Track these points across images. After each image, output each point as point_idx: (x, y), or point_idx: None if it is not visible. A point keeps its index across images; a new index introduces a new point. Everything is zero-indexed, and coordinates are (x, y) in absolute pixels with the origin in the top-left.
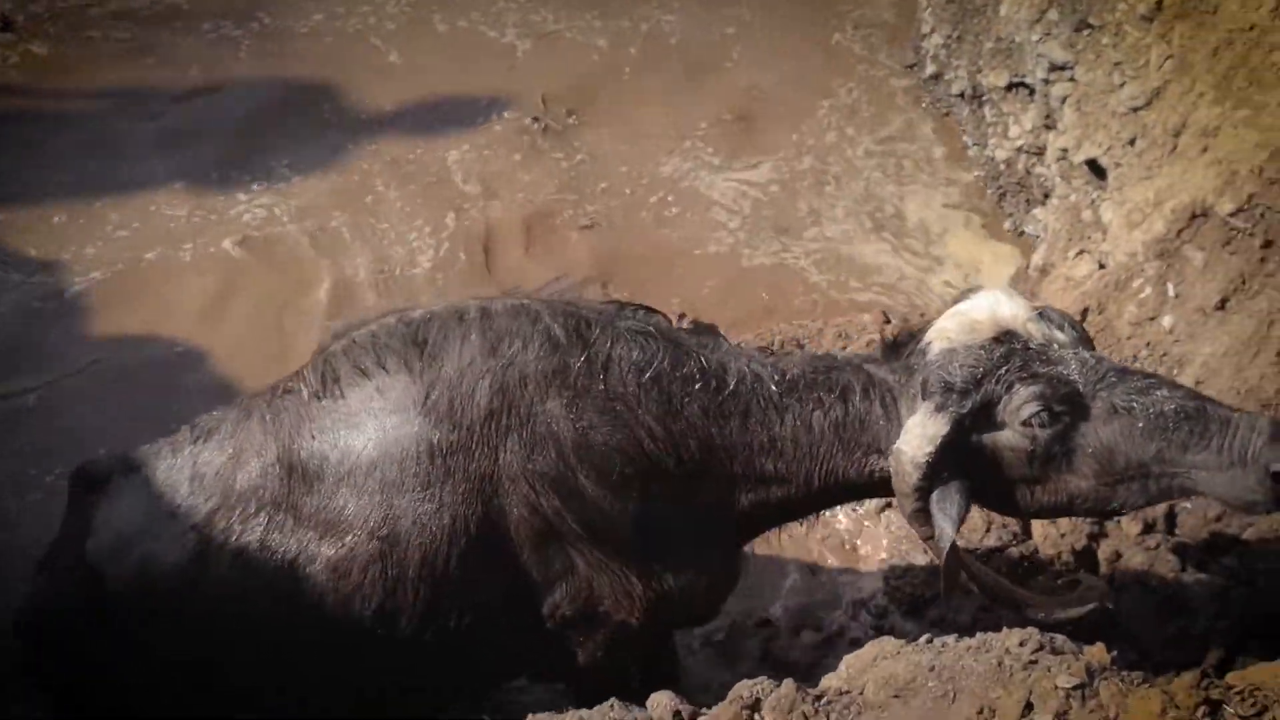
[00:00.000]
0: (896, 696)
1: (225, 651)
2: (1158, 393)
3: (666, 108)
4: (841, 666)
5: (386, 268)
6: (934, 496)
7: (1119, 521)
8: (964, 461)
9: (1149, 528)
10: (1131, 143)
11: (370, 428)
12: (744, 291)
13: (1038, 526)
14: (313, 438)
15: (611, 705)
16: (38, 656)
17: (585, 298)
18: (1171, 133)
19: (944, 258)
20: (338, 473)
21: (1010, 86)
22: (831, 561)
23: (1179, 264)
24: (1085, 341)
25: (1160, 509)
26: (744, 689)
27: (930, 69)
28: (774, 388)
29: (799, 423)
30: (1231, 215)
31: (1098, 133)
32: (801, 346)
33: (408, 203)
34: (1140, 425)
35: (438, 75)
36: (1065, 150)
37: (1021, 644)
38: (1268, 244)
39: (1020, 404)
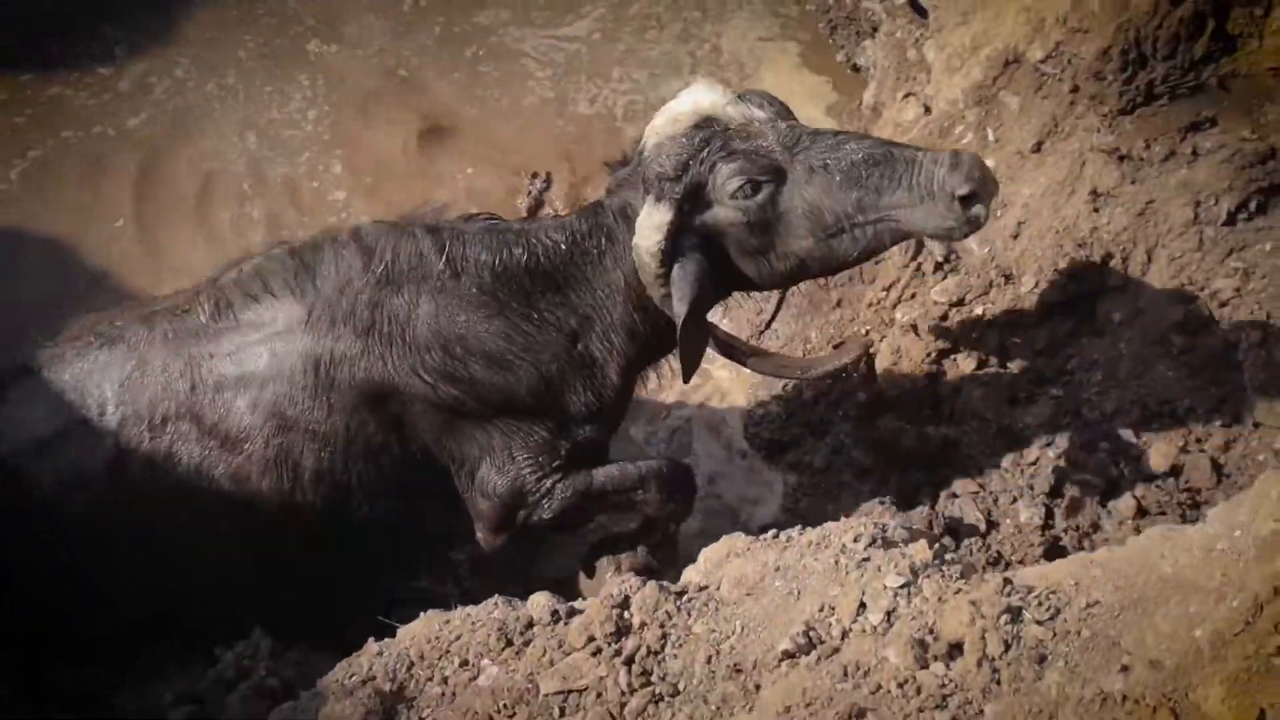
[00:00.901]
0: (749, 594)
1: (140, 552)
2: (848, 145)
3: None
4: (700, 560)
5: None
6: (674, 272)
7: (956, 360)
8: (697, 247)
9: (982, 364)
10: None
11: (261, 347)
12: (567, 145)
13: (884, 374)
14: (211, 356)
15: (495, 602)
16: None
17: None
18: None
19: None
20: (235, 388)
21: None
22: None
23: (997, 109)
24: (785, 114)
25: (993, 342)
26: (614, 586)
27: None
28: (564, 245)
29: (592, 267)
30: (1041, 62)
31: None
32: None
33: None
34: (837, 179)
35: None
36: None
37: (856, 539)
38: (1075, 89)
39: (724, 180)
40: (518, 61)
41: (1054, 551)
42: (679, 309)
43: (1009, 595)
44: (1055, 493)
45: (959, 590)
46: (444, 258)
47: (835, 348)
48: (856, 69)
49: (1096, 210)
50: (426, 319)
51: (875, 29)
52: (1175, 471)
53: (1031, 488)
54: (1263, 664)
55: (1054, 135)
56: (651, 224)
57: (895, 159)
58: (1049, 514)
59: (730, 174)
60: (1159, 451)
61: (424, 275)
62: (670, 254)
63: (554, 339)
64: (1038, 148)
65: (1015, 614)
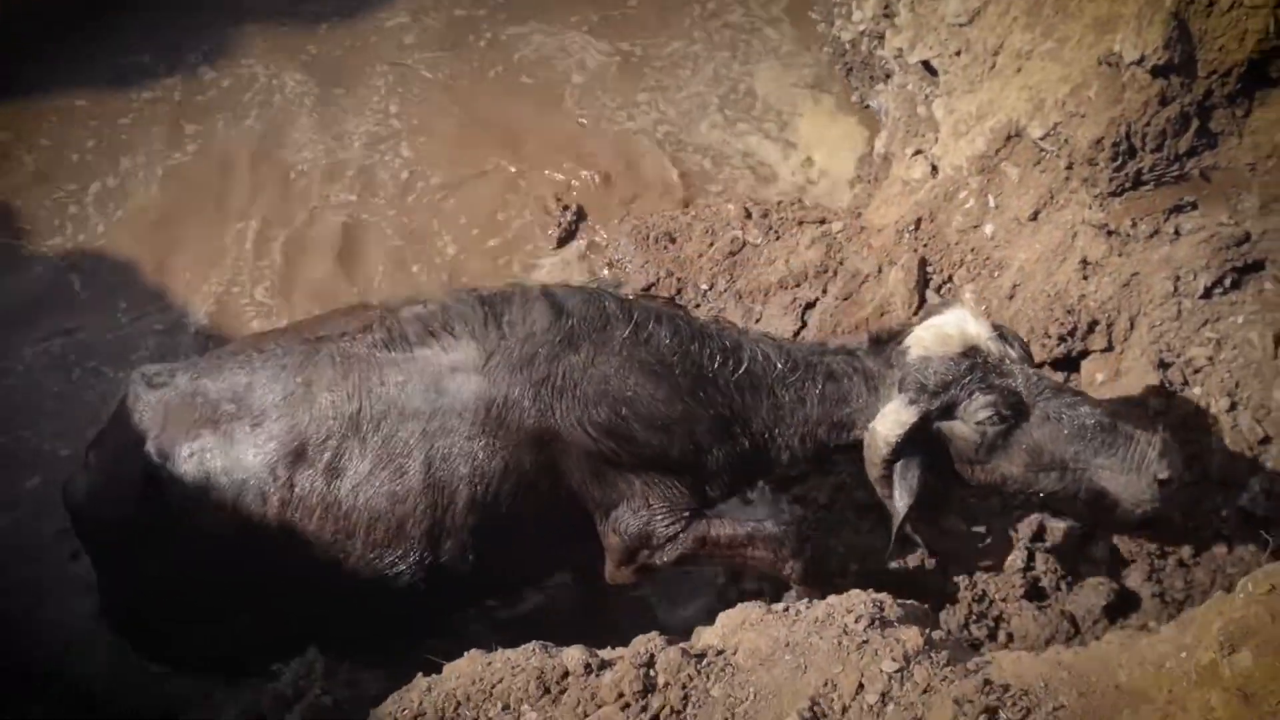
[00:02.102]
0: (761, 664)
1: (289, 562)
2: (1082, 408)
3: None
4: (717, 623)
5: None
6: (897, 467)
7: None
8: (924, 445)
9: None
10: (958, 54)
11: (434, 382)
12: (611, 173)
13: None
14: (382, 384)
15: (533, 649)
16: (84, 528)
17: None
18: (991, 52)
19: (795, 138)
20: (402, 416)
21: None
22: None
23: (998, 178)
24: (1028, 357)
25: None
26: (640, 645)
27: None
28: (780, 366)
29: (796, 396)
30: (1040, 139)
31: (929, 36)
32: (674, 240)
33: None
34: (1065, 431)
35: None
36: (901, 50)
37: (857, 620)
38: (1070, 165)
39: (977, 408)
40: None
41: (1034, 593)
42: (900, 504)
43: (987, 694)
44: (1038, 537)
45: (946, 680)
46: (631, 326)
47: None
48: (867, 107)
49: (1086, 278)
50: (600, 379)
51: (889, 76)
52: (1146, 524)
53: (1016, 530)
54: None
55: (1049, 206)
56: (898, 419)
57: (1118, 431)
58: (1031, 557)
59: (984, 405)
60: None
61: (605, 339)
62: (901, 449)
63: (712, 418)
64: (1034, 217)
65: (992, 714)
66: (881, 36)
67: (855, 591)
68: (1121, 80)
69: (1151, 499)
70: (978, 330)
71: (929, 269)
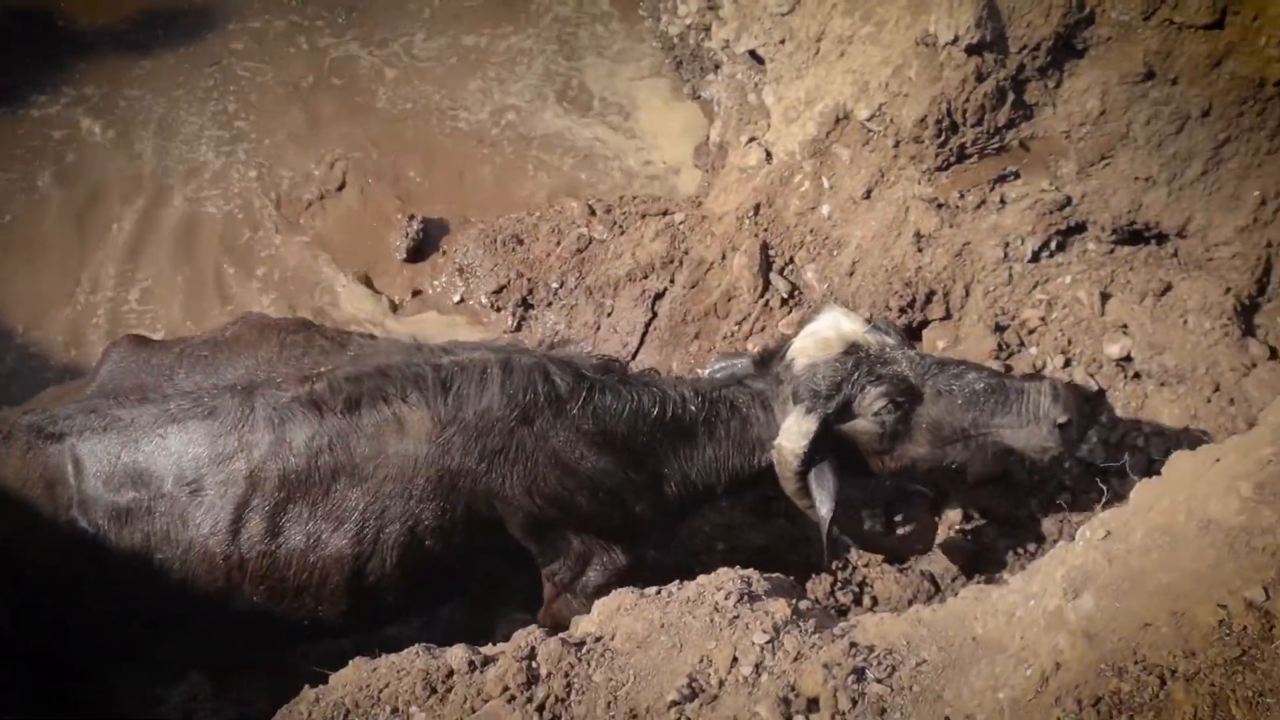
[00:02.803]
0: (639, 647)
1: (223, 619)
2: (969, 375)
3: None
4: (594, 611)
5: None
6: (811, 475)
7: None
8: (830, 449)
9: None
10: (782, 43)
11: (385, 446)
12: (464, 174)
13: None
14: (330, 448)
15: (417, 651)
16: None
17: (579, 352)
18: (814, 38)
19: (635, 131)
20: (352, 479)
21: None
22: None
23: (830, 160)
24: (905, 340)
25: None
26: (520, 638)
27: None
28: (694, 409)
29: (711, 435)
30: (867, 120)
31: (754, 26)
32: (521, 242)
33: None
34: (959, 401)
35: None
36: (727, 41)
37: (726, 597)
38: (897, 144)
39: (871, 400)
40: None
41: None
42: (823, 510)
43: (854, 656)
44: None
45: (814, 646)
46: (579, 399)
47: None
48: (699, 98)
49: (920, 251)
50: (550, 451)
51: (718, 66)
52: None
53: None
54: None
55: (881, 184)
56: (799, 430)
57: (1008, 389)
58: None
59: (877, 395)
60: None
61: (558, 413)
62: (810, 459)
63: (651, 482)
64: (868, 195)
65: (860, 674)
66: (708, 29)
67: (723, 569)
68: (939, 59)
69: (1056, 444)
70: (853, 327)
71: (771, 252)
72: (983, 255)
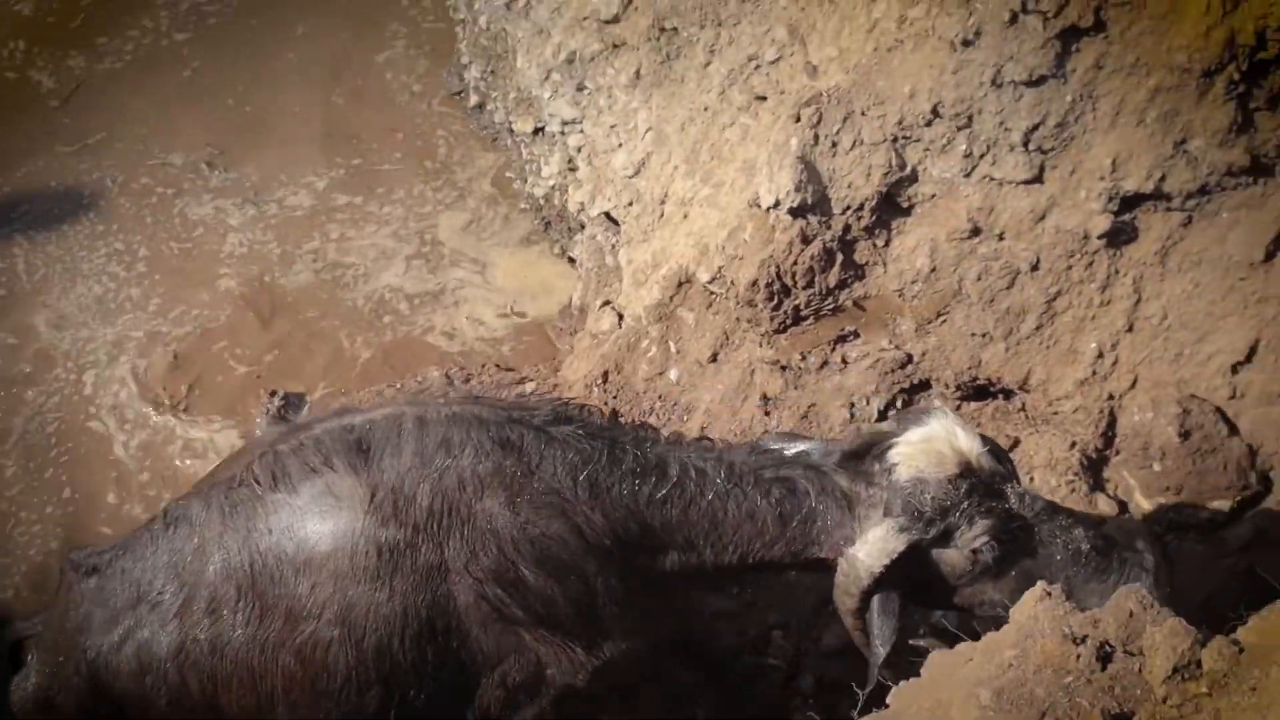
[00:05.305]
0: None
1: None
2: (1077, 530)
3: None
4: None
5: None
6: (875, 601)
7: None
8: (907, 572)
9: None
10: (630, 205)
11: (323, 523)
12: (311, 340)
13: None
14: (269, 531)
15: None
16: None
17: (522, 398)
18: (658, 201)
19: (504, 293)
20: (294, 564)
21: (536, 131)
22: None
23: (676, 324)
24: (1014, 474)
25: None
26: None
27: (474, 99)
28: (720, 481)
29: (742, 512)
30: (708, 283)
31: (606, 188)
32: None
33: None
34: (1058, 557)
35: None
36: (583, 204)
37: None
38: (739, 306)
39: (975, 535)
40: None
41: None
42: (879, 648)
43: None
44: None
45: None
46: (516, 453)
47: None
48: (571, 260)
49: (768, 414)
50: (485, 516)
51: (583, 227)
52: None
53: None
54: None
55: (726, 347)
56: (885, 548)
57: (1111, 556)
58: None
59: (983, 530)
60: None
61: (492, 470)
62: (886, 579)
63: (621, 553)
64: (714, 358)
65: None
66: (568, 190)
67: None
68: (770, 222)
69: None
70: (970, 445)
71: (620, 420)
72: (829, 416)
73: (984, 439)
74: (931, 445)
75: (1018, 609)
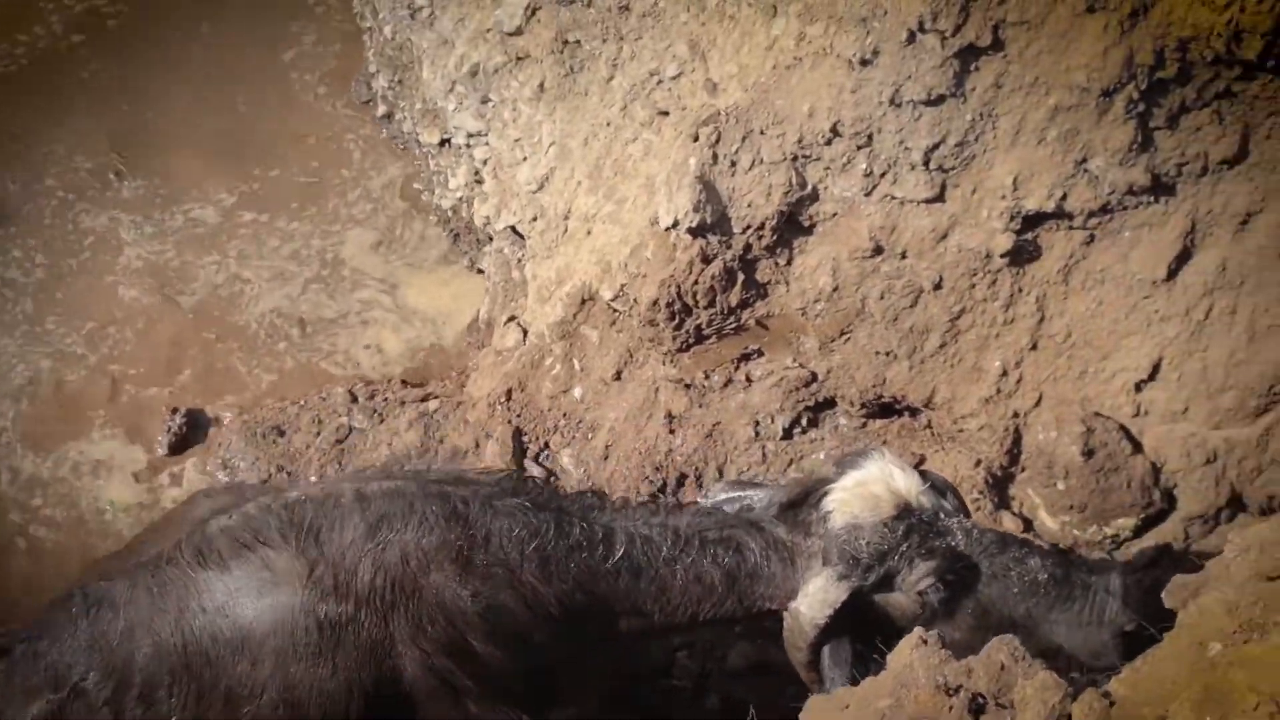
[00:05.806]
0: None
1: None
2: (1031, 560)
3: None
4: None
5: None
6: (826, 651)
7: None
8: (855, 619)
9: None
10: (534, 220)
11: (260, 600)
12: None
13: None
14: (203, 611)
15: None
16: None
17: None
18: (562, 216)
19: (410, 307)
20: (231, 644)
21: (442, 143)
22: None
23: (580, 342)
24: (963, 508)
25: None
26: None
27: (382, 108)
28: (666, 547)
29: (690, 575)
30: (611, 301)
31: (512, 202)
32: (282, 433)
33: None
34: (1015, 589)
35: None
36: (488, 217)
37: None
38: (642, 325)
39: (918, 578)
40: None
41: None
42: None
43: None
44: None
45: None
46: (461, 525)
47: None
48: (480, 271)
49: (673, 432)
50: (432, 589)
51: (491, 239)
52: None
53: None
54: None
55: (631, 364)
56: (826, 599)
57: (1073, 583)
58: None
59: (926, 572)
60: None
61: (438, 544)
62: (832, 629)
63: (570, 622)
64: (618, 376)
65: None
66: (474, 203)
67: None
68: (671, 240)
69: (1116, 655)
70: (908, 485)
71: (524, 438)
72: (735, 434)
73: (926, 476)
74: (866, 489)
75: (894, 655)
